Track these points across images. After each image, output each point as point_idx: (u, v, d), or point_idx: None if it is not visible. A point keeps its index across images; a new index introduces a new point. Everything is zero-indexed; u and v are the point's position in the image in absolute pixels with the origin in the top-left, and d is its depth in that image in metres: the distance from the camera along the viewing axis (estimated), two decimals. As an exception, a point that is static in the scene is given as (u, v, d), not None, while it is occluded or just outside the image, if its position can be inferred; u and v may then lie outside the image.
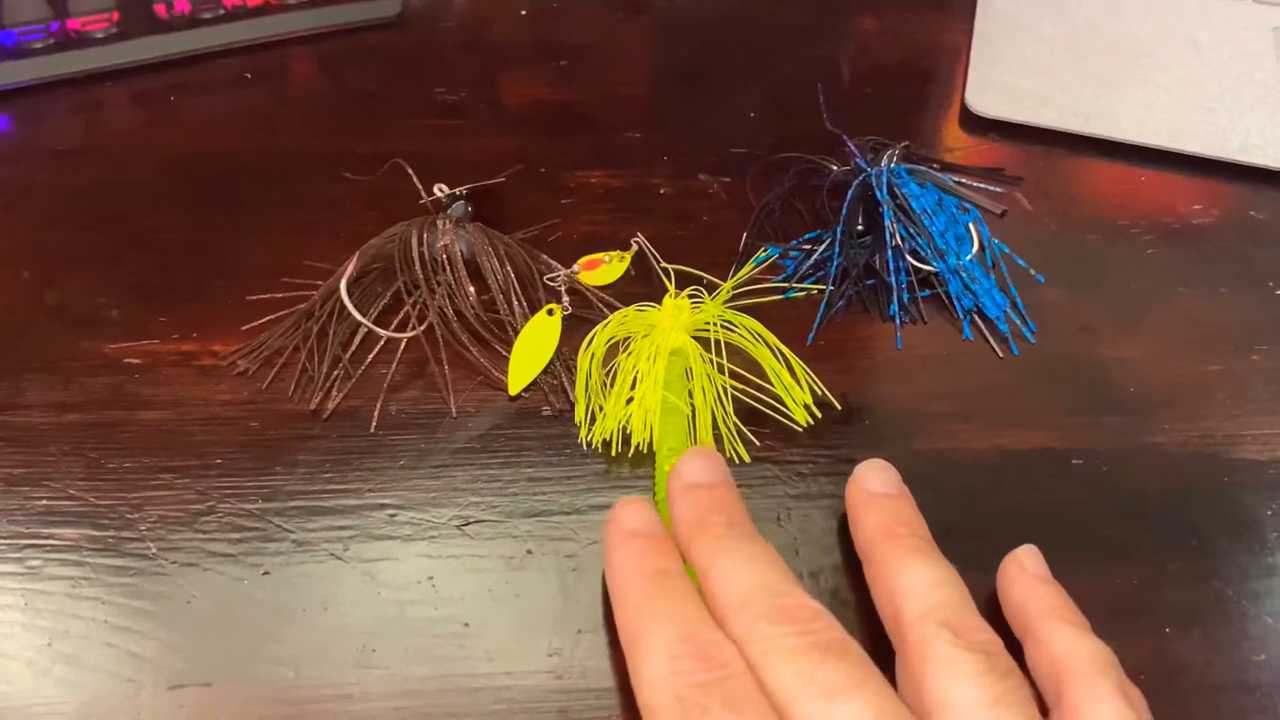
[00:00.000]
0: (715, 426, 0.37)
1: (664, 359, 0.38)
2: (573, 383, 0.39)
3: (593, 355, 0.39)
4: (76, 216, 0.45)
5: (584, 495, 0.36)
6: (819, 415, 0.38)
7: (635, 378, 0.38)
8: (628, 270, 0.43)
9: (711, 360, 0.39)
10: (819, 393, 0.39)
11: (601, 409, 0.38)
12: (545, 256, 0.43)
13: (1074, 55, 0.54)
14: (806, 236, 0.45)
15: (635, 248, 0.43)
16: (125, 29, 0.51)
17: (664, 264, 0.43)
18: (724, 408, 0.38)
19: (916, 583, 0.30)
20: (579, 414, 0.38)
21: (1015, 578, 0.33)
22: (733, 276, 0.42)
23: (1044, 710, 0.29)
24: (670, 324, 0.39)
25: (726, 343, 0.39)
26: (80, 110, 0.50)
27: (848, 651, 0.28)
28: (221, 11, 0.52)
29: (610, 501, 0.36)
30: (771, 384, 0.39)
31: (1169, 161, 0.50)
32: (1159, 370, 0.41)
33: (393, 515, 0.35)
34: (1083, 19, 0.56)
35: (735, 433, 0.37)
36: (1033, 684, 0.30)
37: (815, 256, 0.43)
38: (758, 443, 0.38)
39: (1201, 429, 0.39)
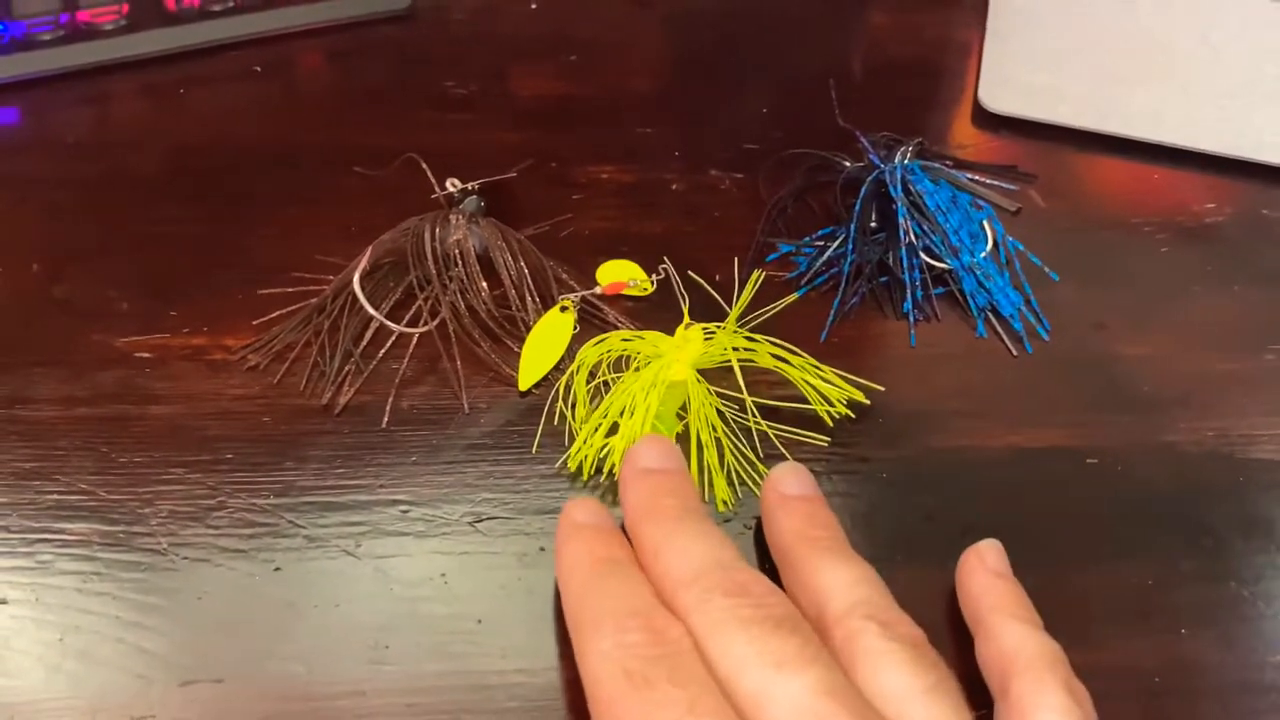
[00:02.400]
0: (722, 458, 0.36)
1: (661, 392, 0.36)
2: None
3: (581, 368, 0.38)
4: (86, 209, 0.44)
5: (596, 492, 0.36)
6: (848, 414, 0.38)
7: (627, 407, 0.36)
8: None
9: (713, 391, 0.37)
10: (837, 409, 0.38)
11: (588, 433, 0.36)
12: (564, 275, 0.42)
13: (1087, 52, 0.54)
14: (819, 233, 0.44)
15: (663, 274, 0.42)
16: (135, 21, 0.51)
17: (684, 291, 0.41)
18: (730, 440, 0.37)
19: (838, 581, 0.30)
20: (572, 432, 0.37)
21: (973, 570, 0.32)
22: (737, 302, 0.39)
23: (983, 705, 0.29)
24: (676, 355, 0.37)
25: (744, 360, 0.38)
26: (89, 102, 0.50)
27: (800, 628, 0.27)
28: (231, 4, 0.52)
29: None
30: (799, 388, 0.38)
31: (1182, 159, 0.50)
32: (1173, 369, 0.41)
33: (405, 511, 0.35)
34: (1096, 15, 0.56)
35: (747, 466, 0.36)
36: (975, 681, 0.30)
37: (828, 253, 0.43)
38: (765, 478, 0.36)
39: (1216, 428, 0.39)
